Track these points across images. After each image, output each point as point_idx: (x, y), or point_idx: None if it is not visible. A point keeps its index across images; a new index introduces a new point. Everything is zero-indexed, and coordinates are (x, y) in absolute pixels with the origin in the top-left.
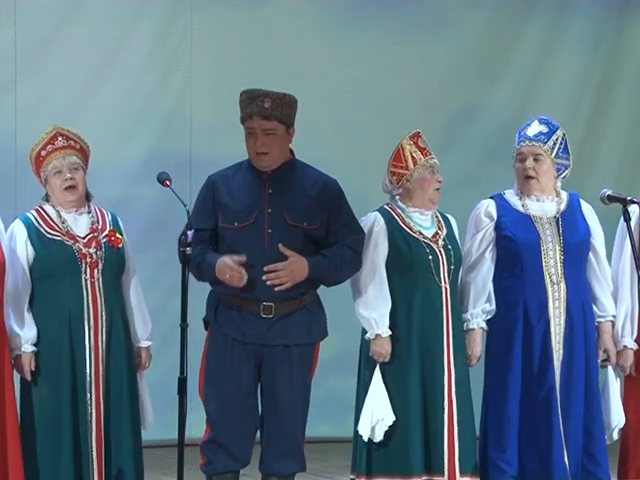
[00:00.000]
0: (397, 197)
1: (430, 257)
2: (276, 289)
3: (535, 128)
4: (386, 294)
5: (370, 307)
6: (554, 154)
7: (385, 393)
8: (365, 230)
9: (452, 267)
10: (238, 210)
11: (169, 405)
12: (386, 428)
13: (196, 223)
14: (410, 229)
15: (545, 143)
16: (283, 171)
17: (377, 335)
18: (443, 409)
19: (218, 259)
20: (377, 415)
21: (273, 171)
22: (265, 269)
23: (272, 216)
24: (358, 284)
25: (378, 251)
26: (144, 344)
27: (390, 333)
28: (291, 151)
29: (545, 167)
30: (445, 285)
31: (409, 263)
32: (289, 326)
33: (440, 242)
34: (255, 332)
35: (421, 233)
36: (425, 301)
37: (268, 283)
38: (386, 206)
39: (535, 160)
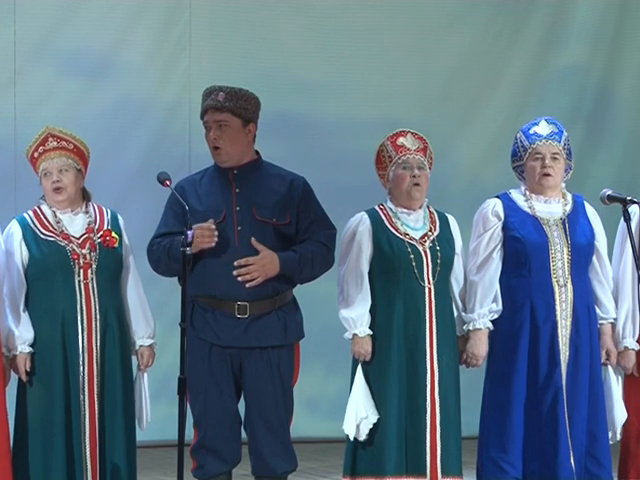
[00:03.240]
0: (388, 197)
1: (412, 256)
2: (247, 285)
3: (545, 127)
4: (366, 294)
5: (349, 307)
6: (565, 154)
7: (368, 392)
8: (350, 230)
9: (438, 268)
10: (206, 211)
11: (169, 405)
12: (370, 426)
13: (165, 227)
14: (396, 230)
15: (559, 142)
16: (249, 170)
17: (354, 335)
18: (425, 409)
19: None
20: (361, 413)
21: (239, 170)
22: (235, 263)
23: (241, 213)
24: (340, 283)
25: (361, 251)
26: (146, 342)
27: (369, 333)
28: (257, 152)
29: (560, 166)
30: (429, 285)
31: (391, 263)
32: (265, 328)
33: (427, 243)
34: (231, 335)
35: (407, 234)
36: (407, 301)
37: (239, 279)
38: (376, 206)
39: (553, 159)
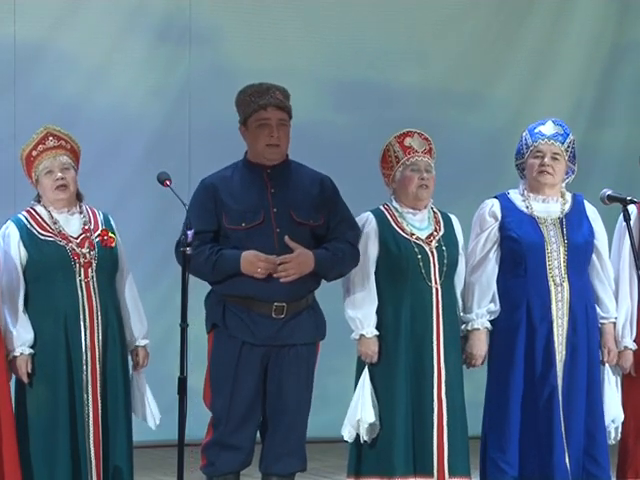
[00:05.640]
0: (393, 197)
1: (419, 256)
2: (282, 280)
3: (551, 128)
4: (372, 294)
5: (356, 307)
6: (567, 157)
7: (369, 393)
8: None
9: (445, 268)
10: (243, 210)
11: (169, 405)
12: (365, 428)
13: (198, 225)
14: (402, 230)
15: (562, 144)
16: (282, 170)
17: (361, 335)
18: (432, 410)
19: (241, 253)
20: (357, 415)
21: (273, 170)
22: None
23: (279, 215)
24: (347, 284)
25: (368, 251)
26: (141, 343)
27: (376, 333)
28: None
29: (560, 167)
30: (436, 285)
31: (398, 264)
32: (298, 326)
33: (434, 243)
34: (266, 334)
35: (413, 234)
36: (414, 301)
37: (275, 275)
38: (381, 206)
39: (553, 158)
